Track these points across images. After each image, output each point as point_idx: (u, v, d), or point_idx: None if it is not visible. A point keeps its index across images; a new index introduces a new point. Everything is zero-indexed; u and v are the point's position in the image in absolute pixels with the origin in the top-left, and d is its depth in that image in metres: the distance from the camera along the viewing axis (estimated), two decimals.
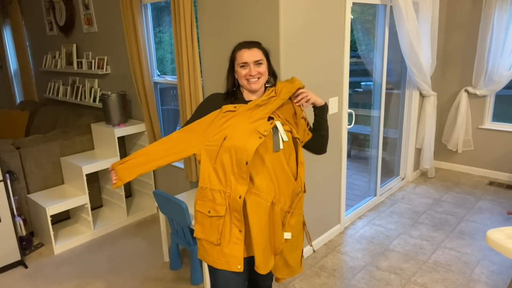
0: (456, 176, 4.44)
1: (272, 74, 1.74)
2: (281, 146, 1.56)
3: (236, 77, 1.70)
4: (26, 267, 2.95)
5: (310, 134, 1.76)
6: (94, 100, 4.11)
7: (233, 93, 1.71)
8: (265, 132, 1.52)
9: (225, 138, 1.55)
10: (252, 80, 1.64)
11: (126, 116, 3.56)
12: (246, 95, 1.71)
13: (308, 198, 2.81)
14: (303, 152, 1.69)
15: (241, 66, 1.64)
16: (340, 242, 3.13)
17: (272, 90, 1.64)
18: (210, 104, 1.70)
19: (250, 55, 1.63)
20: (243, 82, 1.66)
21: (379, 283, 2.61)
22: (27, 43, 5.13)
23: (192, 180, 3.13)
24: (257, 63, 1.63)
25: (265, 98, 1.62)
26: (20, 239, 3.06)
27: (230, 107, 1.61)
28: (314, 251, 3.02)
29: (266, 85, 1.72)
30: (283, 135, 1.57)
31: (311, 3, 2.53)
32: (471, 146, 4.43)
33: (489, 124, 4.33)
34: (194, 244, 2.57)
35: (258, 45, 1.69)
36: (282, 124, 1.60)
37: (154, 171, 3.72)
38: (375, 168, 3.77)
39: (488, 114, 4.31)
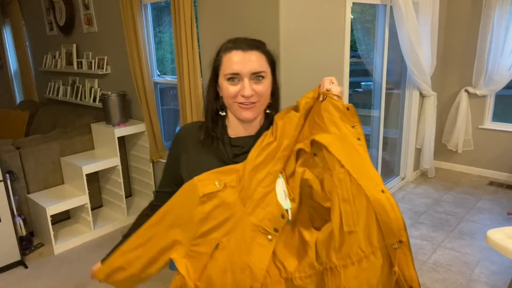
0: (456, 176, 4.44)
1: (272, 95, 1.11)
2: (290, 217, 0.99)
3: (220, 94, 1.09)
4: (26, 267, 2.95)
5: None
6: (94, 100, 4.11)
7: (213, 126, 1.11)
8: (277, 232, 0.97)
9: (217, 246, 1.00)
10: (246, 105, 1.03)
11: (126, 116, 3.57)
12: (232, 128, 1.11)
13: None
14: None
15: (229, 79, 1.03)
16: None
17: (267, 134, 1.03)
18: (178, 149, 1.15)
19: (245, 62, 1.02)
20: (230, 104, 1.06)
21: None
22: (27, 43, 5.13)
23: None
24: (256, 76, 1.03)
25: (256, 151, 1.00)
26: (20, 239, 3.06)
27: (209, 187, 0.99)
28: None
29: (267, 111, 1.12)
30: (284, 203, 0.98)
31: (311, 3, 2.53)
32: (471, 146, 4.42)
33: (489, 124, 4.32)
34: None
35: (261, 46, 1.08)
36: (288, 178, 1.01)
37: (153, 169, 3.72)
38: (375, 168, 3.76)
39: (488, 114, 4.31)
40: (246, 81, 1.02)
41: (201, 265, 1.02)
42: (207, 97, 1.13)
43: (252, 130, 1.11)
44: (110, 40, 3.79)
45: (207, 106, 1.12)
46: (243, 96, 1.02)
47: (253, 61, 1.03)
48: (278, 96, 1.14)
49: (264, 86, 1.05)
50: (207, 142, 1.10)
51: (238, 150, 1.08)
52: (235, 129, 1.11)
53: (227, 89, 1.04)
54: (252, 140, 1.07)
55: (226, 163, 1.06)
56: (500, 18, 3.91)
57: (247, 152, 1.03)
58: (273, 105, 1.13)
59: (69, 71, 4.39)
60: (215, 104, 1.11)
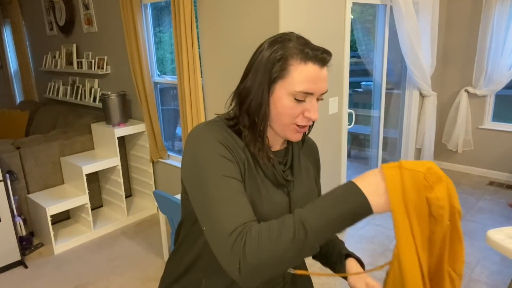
0: (456, 176, 4.44)
1: None
2: None
3: (269, 109, 0.88)
4: (26, 267, 2.95)
5: None
6: (94, 100, 4.11)
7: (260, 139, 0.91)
8: None
9: None
10: (304, 127, 0.90)
11: (126, 116, 3.56)
12: (272, 140, 0.96)
13: None
14: None
15: (297, 98, 0.85)
16: None
17: None
18: (238, 159, 0.88)
19: (320, 81, 0.86)
20: (286, 124, 0.89)
21: (379, 283, 2.61)
22: (27, 43, 5.13)
23: None
24: (322, 96, 0.89)
25: None
26: (20, 239, 3.06)
27: None
28: None
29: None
30: None
31: (311, 3, 2.53)
32: (471, 146, 4.42)
33: (489, 124, 4.32)
34: None
35: (329, 60, 0.89)
36: None
37: (153, 169, 3.72)
38: (375, 168, 3.76)
39: (488, 114, 4.31)
40: (314, 102, 0.87)
41: None
42: (258, 108, 0.88)
43: (278, 145, 1.00)
44: (110, 40, 3.79)
45: (261, 117, 0.89)
46: (309, 118, 0.87)
47: (325, 80, 0.87)
48: None
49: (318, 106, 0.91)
50: (255, 159, 0.92)
51: (283, 167, 0.98)
52: (275, 144, 0.98)
53: (290, 107, 0.86)
54: (283, 153, 0.99)
55: (278, 181, 0.95)
56: (500, 18, 3.91)
57: (291, 167, 0.98)
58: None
59: (69, 71, 4.39)
60: (264, 118, 0.89)
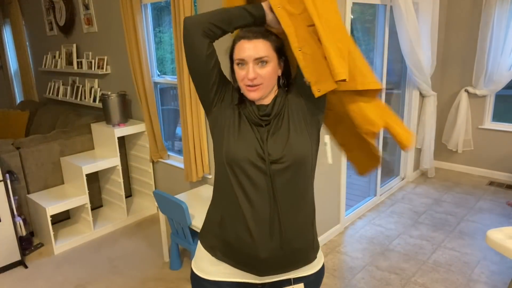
0: (456, 176, 4.44)
1: (286, 75, 1.30)
2: None
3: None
4: (26, 267, 2.95)
5: None
6: (94, 100, 4.11)
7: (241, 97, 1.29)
8: None
9: None
10: (251, 87, 1.19)
11: (126, 116, 3.57)
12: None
13: None
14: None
15: (238, 64, 1.20)
16: (340, 242, 3.13)
17: None
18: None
19: (250, 49, 1.17)
20: (241, 87, 1.23)
21: (379, 283, 2.61)
22: (27, 43, 5.13)
23: (192, 180, 3.13)
24: (260, 61, 1.18)
25: None
26: (20, 239, 3.06)
27: None
28: None
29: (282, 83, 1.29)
30: None
31: None
32: (471, 146, 4.43)
33: (489, 124, 4.33)
34: (194, 244, 2.57)
35: (266, 35, 1.20)
36: None
37: (153, 169, 3.72)
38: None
39: (488, 114, 4.31)
40: (250, 65, 1.18)
41: None
42: (231, 79, 1.30)
43: (267, 100, 1.27)
44: (110, 40, 3.79)
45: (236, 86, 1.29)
46: (248, 79, 1.18)
47: (257, 48, 1.17)
48: (288, 73, 1.31)
49: (267, 70, 1.19)
50: (240, 106, 1.28)
51: (262, 112, 1.25)
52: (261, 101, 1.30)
53: (237, 73, 1.22)
54: (269, 106, 1.26)
55: (253, 119, 1.24)
56: (500, 18, 3.91)
57: (268, 114, 1.24)
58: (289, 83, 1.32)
59: (69, 71, 4.39)
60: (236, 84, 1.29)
